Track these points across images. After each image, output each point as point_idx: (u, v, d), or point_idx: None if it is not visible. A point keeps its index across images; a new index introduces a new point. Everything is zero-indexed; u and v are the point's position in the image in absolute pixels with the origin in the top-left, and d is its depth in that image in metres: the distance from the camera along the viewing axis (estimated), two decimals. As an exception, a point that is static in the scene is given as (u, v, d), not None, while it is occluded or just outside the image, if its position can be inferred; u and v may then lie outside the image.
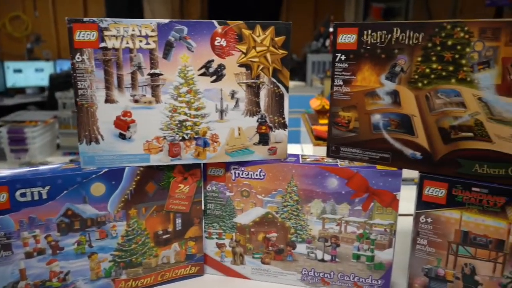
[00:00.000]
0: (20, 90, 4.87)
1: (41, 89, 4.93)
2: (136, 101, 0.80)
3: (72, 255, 0.83)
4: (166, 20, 0.78)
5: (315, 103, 1.79)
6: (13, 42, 5.36)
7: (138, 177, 0.85)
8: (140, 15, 5.58)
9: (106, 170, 0.82)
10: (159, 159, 0.85)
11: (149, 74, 0.79)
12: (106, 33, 0.76)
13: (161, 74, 0.80)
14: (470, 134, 0.77)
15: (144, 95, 0.80)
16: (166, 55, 0.79)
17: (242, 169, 0.90)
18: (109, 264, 0.86)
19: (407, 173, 0.85)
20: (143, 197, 0.86)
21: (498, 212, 0.77)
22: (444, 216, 0.81)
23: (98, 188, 0.82)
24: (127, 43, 0.77)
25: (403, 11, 5.50)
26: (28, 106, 4.45)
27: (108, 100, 0.79)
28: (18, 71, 4.81)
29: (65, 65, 4.97)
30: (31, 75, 4.86)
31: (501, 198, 0.76)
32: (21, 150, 2.41)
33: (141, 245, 0.88)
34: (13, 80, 4.79)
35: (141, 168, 0.85)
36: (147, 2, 5.59)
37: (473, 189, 0.78)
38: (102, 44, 0.77)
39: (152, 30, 0.78)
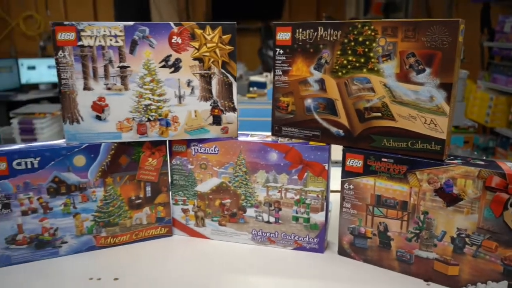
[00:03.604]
0: (34, 86, 5.14)
1: (54, 85, 5.17)
2: (109, 89, 0.99)
3: (59, 215, 1.02)
4: (131, 23, 0.96)
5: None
6: (27, 41, 5.64)
7: (113, 151, 1.04)
8: (148, 17, 5.78)
9: (86, 145, 1.01)
10: (130, 136, 1.03)
11: (118, 67, 0.98)
12: (82, 33, 0.95)
13: (129, 67, 0.98)
14: (379, 114, 0.94)
15: (115, 84, 0.99)
16: (132, 51, 0.98)
17: (200, 145, 1.08)
18: (91, 223, 1.06)
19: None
20: (117, 168, 1.05)
21: (402, 178, 0.93)
22: (362, 183, 0.98)
23: (79, 160, 1.01)
24: (100, 41, 0.96)
25: (404, 6, 5.58)
26: (41, 101, 4.70)
27: (86, 88, 0.98)
28: (32, 68, 5.07)
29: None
30: (44, 71, 5.12)
31: (403, 167, 0.93)
32: (30, 140, 2.64)
33: (117, 208, 1.07)
34: (27, 76, 5.06)
35: (115, 144, 1.03)
36: (154, 4, 5.80)
37: (383, 159, 0.95)
38: (80, 43, 0.95)
39: (120, 31, 0.96)
